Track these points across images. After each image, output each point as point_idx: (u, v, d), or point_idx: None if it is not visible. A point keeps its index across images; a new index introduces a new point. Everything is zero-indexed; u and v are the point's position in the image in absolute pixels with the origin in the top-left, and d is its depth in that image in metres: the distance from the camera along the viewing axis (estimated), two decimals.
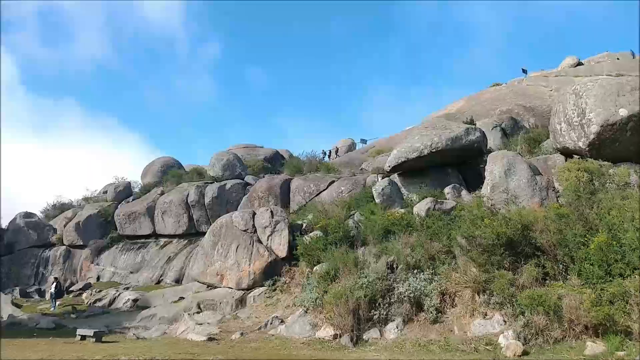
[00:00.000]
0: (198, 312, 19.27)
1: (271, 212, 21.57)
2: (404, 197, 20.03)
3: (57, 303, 24.10)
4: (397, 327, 13.73)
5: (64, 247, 29.70)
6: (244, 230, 21.18)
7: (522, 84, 35.08)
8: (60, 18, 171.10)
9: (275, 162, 35.78)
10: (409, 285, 14.15)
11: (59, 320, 21.28)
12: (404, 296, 14.05)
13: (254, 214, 21.86)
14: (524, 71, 39.13)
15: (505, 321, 12.61)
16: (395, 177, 21.13)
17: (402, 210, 18.37)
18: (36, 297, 27.13)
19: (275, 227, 20.88)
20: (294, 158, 34.77)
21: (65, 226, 30.21)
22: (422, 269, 14.82)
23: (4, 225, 32.67)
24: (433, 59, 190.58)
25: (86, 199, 33.57)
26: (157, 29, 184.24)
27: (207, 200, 27.53)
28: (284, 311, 17.57)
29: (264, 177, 29.54)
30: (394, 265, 15.37)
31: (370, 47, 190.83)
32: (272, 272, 19.89)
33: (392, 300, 14.25)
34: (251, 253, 20.70)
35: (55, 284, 24.81)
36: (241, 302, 19.58)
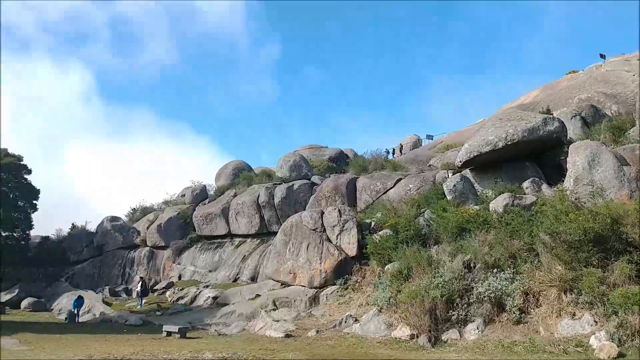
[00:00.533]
0: (274, 309, 19.82)
1: (339, 211, 21.71)
2: (478, 193, 19.37)
3: (143, 301, 25.78)
4: (477, 328, 13.34)
5: (147, 248, 31.68)
6: (313, 230, 21.50)
7: (601, 70, 32.72)
8: (129, 28, 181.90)
9: (340, 161, 35.94)
10: (489, 285, 13.68)
11: (146, 317, 22.77)
12: (484, 296, 13.61)
13: (322, 213, 22.11)
14: (602, 56, 36.41)
15: (596, 321, 11.88)
16: (467, 173, 20.49)
17: (477, 207, 17.78)
18: (124, 295, 29.16)
19: (343, 226, 21.01)
20: (358, 157, 34.73)
21: (148, 228, 32.22)
22: (502, 268, 14.27)
23: (94, 229, 35.45)
24: (499, 46, 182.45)
25: (166, 202, 35.59)
26: (220, 33, 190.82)
27: (276, 200, 28.20)
28: (357, 310, 17.64)
29: (329, 176, 29.77)
30: (471, 264, 14.92)
31: (429, 36, 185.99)
32: (342, 270, 20.06)
33: (470, 300, 13.87)
34: (321, 252, 20.98)
35: (141, 283, 26.57)
36: (314, 300, 19.91)
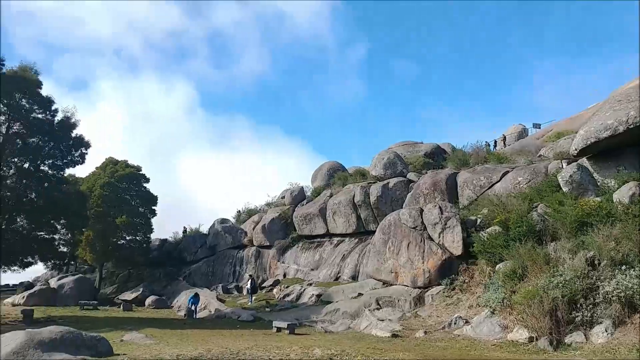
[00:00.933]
0: (377, 309, 19.73)
1: (440, 208, 20.99)
2: (598, 184, 17.62)
3: (253, 298, 27.11)
4: (606, 330, 12.11)
5: (254, 247, 33.30)
6: (413, 228, 21.04)
7: None
8: (224, 40, 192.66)
9: (436, 157, 34.81)
10: (617, 284, 12.35)
11: (256, 313, 23.89)
12: (612, 296, 12.31)
13: (422, 210, 21.55)
14: None
15: None
16: (584, 162, 18.73)
17: (598, 199, 16.17)
18: (235, 292, 30.87)
19: (445, 224, 20.28)
20: (457, 151, 33.36)
21: (253, 229, 33.86)
22: (631, 265, 12.82)
23: (206, 230, 38.05)
24: (605, 21, 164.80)
25: (268, 204, 37.16)
26: (307, 36, 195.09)
27: (372, 199, 28.06)
28: (467, 311, 16.96)
29: (426, 173, 28.95)
30: (595, 262, 13.58)
31: (525, 16, 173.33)
32: (447, 270, 19.41)
33: (596, 300, 12.63)
34: (423, 251, 20.46)
35: (250, 280, 27.99)
36: (419, 300, 19.49)
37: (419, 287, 19.82)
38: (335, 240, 29.92)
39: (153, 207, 34.93)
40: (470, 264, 19.00)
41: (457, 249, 19.44)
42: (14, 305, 28.52)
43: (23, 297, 28.81)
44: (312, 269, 29.60)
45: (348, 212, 29.00)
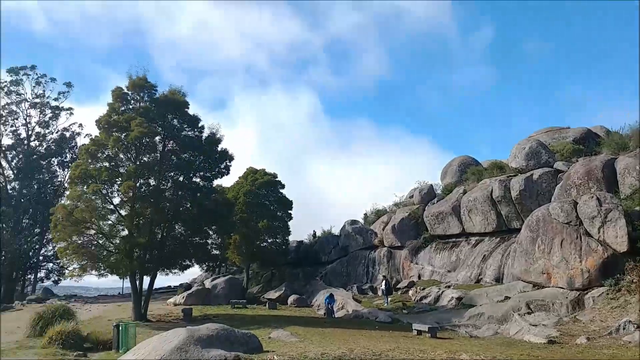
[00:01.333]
0: (528, 313, 18.13)
1: (597, 199, 18.64)
2: None
3: (389, 299, 26.87)
4: None
5: (385, 248, 33.08)
6: (566, 223, 18.94)
7: None
8: (343, 46, 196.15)
9: (588, 142, 30.87)
10: None
11: (393, 315, 23.60)
12: None
13: (576, 203, 19.31)
14: None
15: None
16: None
17: None
18: (370, 293, 30.92)
19: (606, 217, 17.93)
20: (613, 134, 29.23)
21: (383, 229, 33.64)
22: None
23: (337, 232, 38.86)
24: None
25: (396, 204, 36.64)
26: (426, 29, 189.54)
27: (513, 194, 25.92)
28: (638, 315, 14.70)
29: (577, 161, 25.86)
30: None
31: None
32: (610, 269, 17.23)
33: None
34: (580, 248, 18.30)
35: (384, 281, 27.81)
36: (577, 303, 17.45)
37: (577, 289, 17.77)
38: (473, 239, 28.28)
39: (289, 211, 36.67)
40: (638, 261, 16.49)
41: (621, 245, 17.08)
42: (175, 304, 31.89)
43: (183, 297, 32.15)
44: (449, 271, 28.36)
45: (486, 209, 27.21)
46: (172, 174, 24.75)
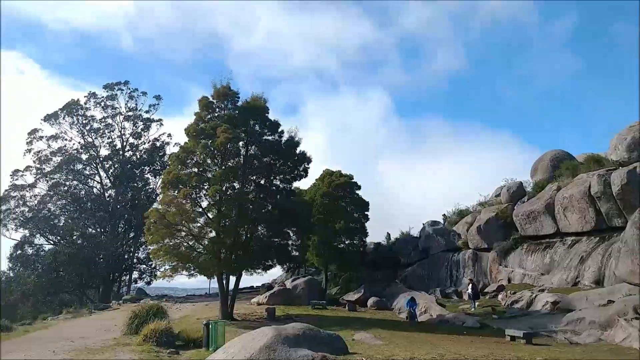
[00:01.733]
0: (636, 318, 16.31)
1: None
2: None
3: (476, 304, 25.59)
4: None
5: (470, 250, 31.62)
6: None
7: None
8: (416, 43, 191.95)
9: None
10: None
11: (482, 320, 22.41)
12: None
13: None
14: None
15: None
16: None
17: None
18: (454, 297, 29.71)
19: None
20: None
21: (467, 230, 32.21)
22: None
23: (417, 234, 37.85)
24: None
25: (481, 204, 34.96)
26: (505, 18, 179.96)
27: (614, 189, 23.58)
28: None
29: None
30: None
31: None
32: None
33: None
34: None
35: (471, 285, 26.54)
36: None
37: None
38: (569, 240, 26.16)
39: (366, 212, 36.32)
40: None
41: None
42: (258, 304, 32.72)
43: (265, 297, 32.93)
44: (542, 273, 26.47)
45: (583, 207, 25.05)
46: (254, 177, 25.45)
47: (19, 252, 43.08)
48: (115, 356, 13.56)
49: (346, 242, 35.53)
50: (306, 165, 26.85)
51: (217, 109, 25.57)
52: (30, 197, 44.18)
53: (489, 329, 20.55)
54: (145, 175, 49.65)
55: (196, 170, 24.49)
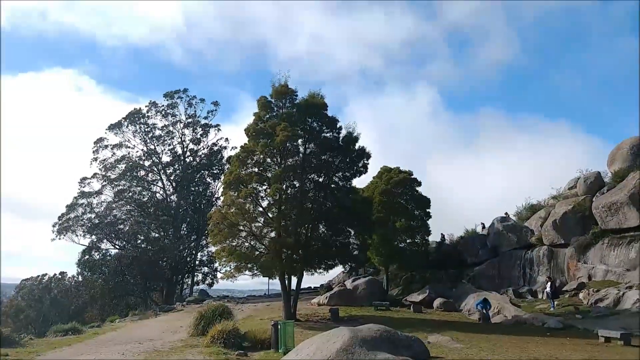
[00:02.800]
0: None
1: None
2: None
3: (555, 303, 23.69)
4: None
5: (544, 247, 29.48)
6: None
7: None
8: (465, 35, 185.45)
9: None
10: None
11: (564, 320, 20.65)
12: None
13: None
14: None
15: None
16: None
17: None
18: (529, 297, 27.77)
19: None
20: None
21: (541, 226, 30.10)
22: None
23: (485, 231, 35.93)
24: None
25: (555, 197, 32.65)
26: (560, 4, 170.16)
27: None
28: None
29: None
30: None
31: None
32: None
33: None
34: None
35: (550, 283, 24.64)
36: None
37: None
38: None
39: (427, 210, 34.87)
40: None
41: None
42: (319, 304, 32.19)
43: (326, 298, 32.31)
44: (628, 269, 24.16)
45: None
46: (313, 175, 24.85)
47: (87, 257, 44.86)
48: (184, 358, 13.28)
49: (407, 241, 34.25)
50: (365, 161, 25.94)
51: (276, 108, 25.23)
52: (97, 204, 46.04)
53: (574, 330, 18.84)
54: (205, 180, 50.56)
55: (256, 169, 24.23)
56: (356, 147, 25.69)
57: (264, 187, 24.18)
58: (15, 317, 44.65)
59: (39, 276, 48.72)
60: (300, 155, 24.61)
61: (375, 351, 10.53)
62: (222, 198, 29.30)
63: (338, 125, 25.65)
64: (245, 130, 24.77)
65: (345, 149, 25.36)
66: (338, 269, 43.22)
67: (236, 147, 47.36)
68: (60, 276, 49.39)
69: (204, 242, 47.93)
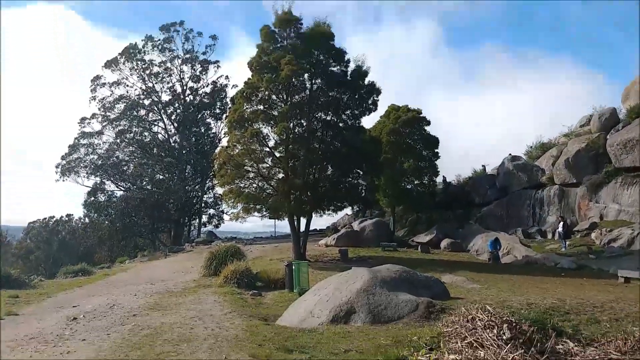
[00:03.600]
0: None
1: None
2: None
3: (567, 243, 23.50)
4: None
5: (555, 186, 28.96)
6: None
7: None
8: None
9: None
10: None
11: (577, 260, 20.49)
12: None
13: None
14: None
15: None
16: None
17: None
18: (538, 237, 27.60)
19: None
20: None
21: (553, 165, 29.43)
22: None
23: (494, 171, 35.36)
24: None
25: (566, 135, 31.77)
26: None
27: None
28: None
29: None
30: None
31: None
32: None
33: None
34: None
35: (562, 223, 24.34)
36: None
37: None
38: None
39: (436, 150, 34.10)
40: None
41: None
42: (326, 246, 32.22)
43: (333, 239, 32.27)
44: None
45: None
46: (320, 113, 23.85)
47: (92, 198, 44.67)
48: (199, 299, 13.06)
49: (415, 183, 33.78)
50: (375, 98, 24.80)
51: (280, 39, 23.78)
52: (99, 145, 45.25)
53: (588, 270, 18.70)
54: (207, 120, 49.39)
55: (262, 107, 23.24)
56: (365, 82, 24.50)
57: (270, 126, 23.33)
58: (26, 259, 45.23)
59: (45, 218, 48.89)
60: (307, 91, 23.50)
61: (396, 292, 10.16)
62: (226, 138, 28.46)
63: (346, 58, 24.28)
64: (248, 64, 23.48)
65: (353, 84, 24.16)
66: (344, 211, 43.40)
67: (237, 85, 46.09)
68: (67, 218, 49.64)
69: (209, 183, 47.61)
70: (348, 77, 24.32)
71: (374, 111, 25.20)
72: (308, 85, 23.49)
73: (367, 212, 41.96)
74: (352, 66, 24.40)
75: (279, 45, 23.82)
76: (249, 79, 23.81)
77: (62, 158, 43.94)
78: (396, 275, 10.92)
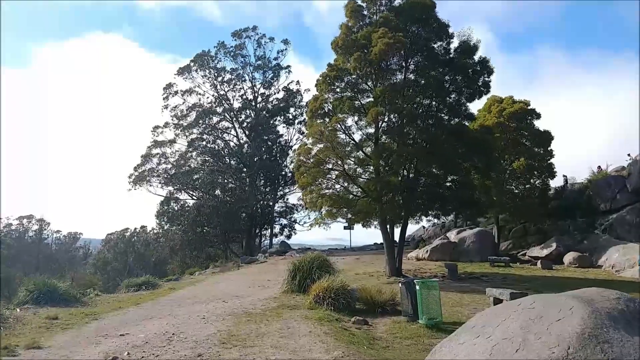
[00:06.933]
0: None
1: None
2: None
3: None
4: None
5: None
6: None
7: None
8: None
9: None
10: None
11: None
12: None
13: None
14: None
15: None
16: None
17: None
18: None
19: None
20: None
21: None
22: None
23: (625, 172, 29.12)
24: None
25: None
26: None
27: None
28: None
29: None
30: None
31: None
32: None
33: None
34: None
35: None
36: None
37: None
38: None
39: (550, 148, 28.63)
40: None
41: None
42: (417, 259, 28.04)
43: (427, 252, 27.97)
44: None
45: None
46: (419, 97, 19.68)
47: (165, 208, 43.27)
48: (287, 327, 9.33)
49: (526, 186, 28.47)
50: (486, 78, 20.30)
51: (368, 15, 20.12)
52: (171, 153, 43.93)
53: None
54: (278, 127, 46.89)
55: (348, 93, 19.54)
56: (475, 59, 20.08)
57: (358, 114, 19.56)
58: (103, 269, 44.75)
59: (122, 230, 48.62)
60: (403, 71, 19.47)
61: (633, 334, 5.76)
62: (303, 140, 25.06)
63: (450, 32, 20.06)
64: (332, 43, 19.97)
65: (459, 62, 19.82)
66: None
67: (309, 90, 43.24)
68: (141, 229, 48.97)
69: (281, 192, 44.86)
70: (451, 55, 20.06)
71: (484, 94, 20.69)
72: (404, 64, 19.47)
73: (459, 221, 36.83)
74: (454, 43, 20.15)
75: (367, 21, 20.14)
76: (333, 61, 20.23)
77: (135, 169, 42.97)
78: (620, 305, 6.45)
